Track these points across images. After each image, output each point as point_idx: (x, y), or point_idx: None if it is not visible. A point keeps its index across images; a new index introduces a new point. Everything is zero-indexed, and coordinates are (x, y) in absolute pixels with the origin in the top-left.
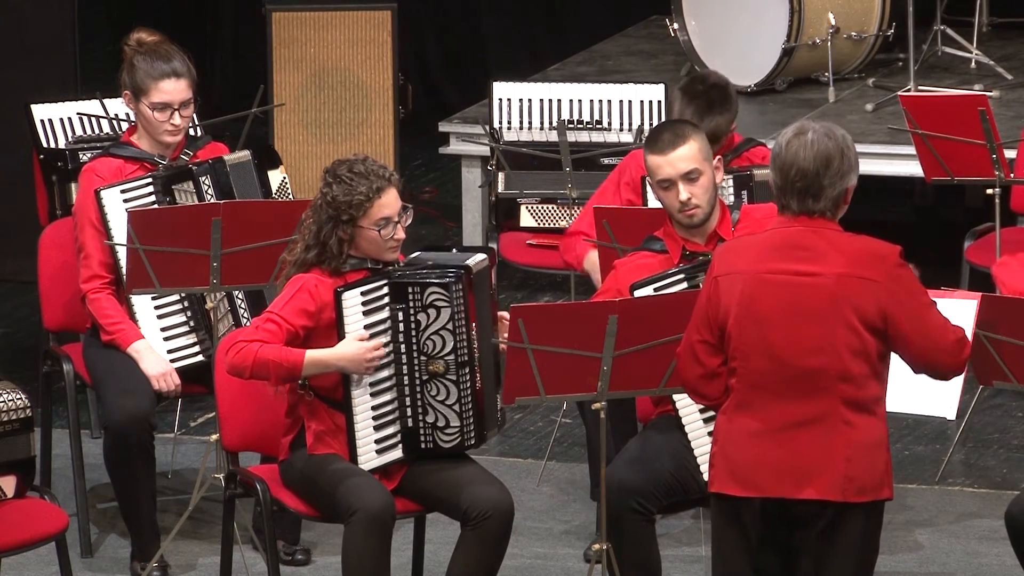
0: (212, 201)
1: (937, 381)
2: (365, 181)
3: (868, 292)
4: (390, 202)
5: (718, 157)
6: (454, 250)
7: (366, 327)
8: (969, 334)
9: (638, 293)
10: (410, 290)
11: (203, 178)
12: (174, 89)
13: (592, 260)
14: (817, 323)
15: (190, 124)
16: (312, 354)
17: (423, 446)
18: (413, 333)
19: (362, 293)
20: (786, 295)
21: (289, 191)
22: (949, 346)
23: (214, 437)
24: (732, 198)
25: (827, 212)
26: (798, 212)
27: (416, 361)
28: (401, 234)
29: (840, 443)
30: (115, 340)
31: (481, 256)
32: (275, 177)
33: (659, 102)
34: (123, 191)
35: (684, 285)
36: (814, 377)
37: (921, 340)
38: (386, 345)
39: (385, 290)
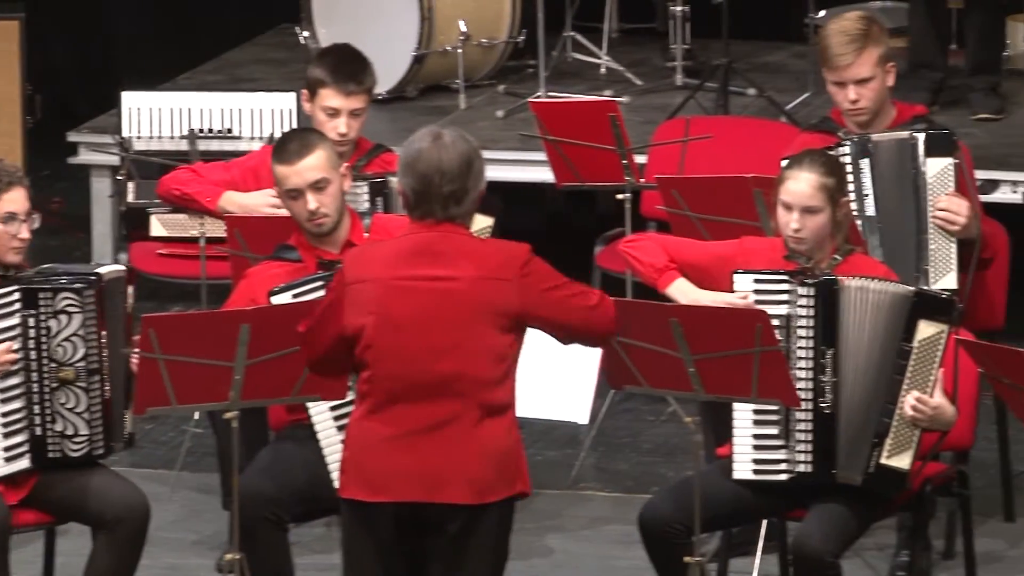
0: None
1: (569, 386)
2: None
3: (502, 292)
4: (16, 199)
5: (345, 165)
6: (91, 264)
7: None
8: None
9: (275, 299)
10: (41, 296)
11: None
12: None
13: (232, 199)
14: (454, 328)
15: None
16: None
17: (50, 455)
18: (43, 339)
19: None
20: (422, 301)
21: None
22: (590, 322)
23: None
24: (367, 204)
25: (464, 217)
26: (441, 218)
27: (45, 368)
28: (25, 233)
29: (473, 447)
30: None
31: (116, 267)
32: None
33: (291, 110)
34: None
35: (322, 292)
36: (449, 381)
37: (564, 324)
38: (15, 352)
39: (16, 295)
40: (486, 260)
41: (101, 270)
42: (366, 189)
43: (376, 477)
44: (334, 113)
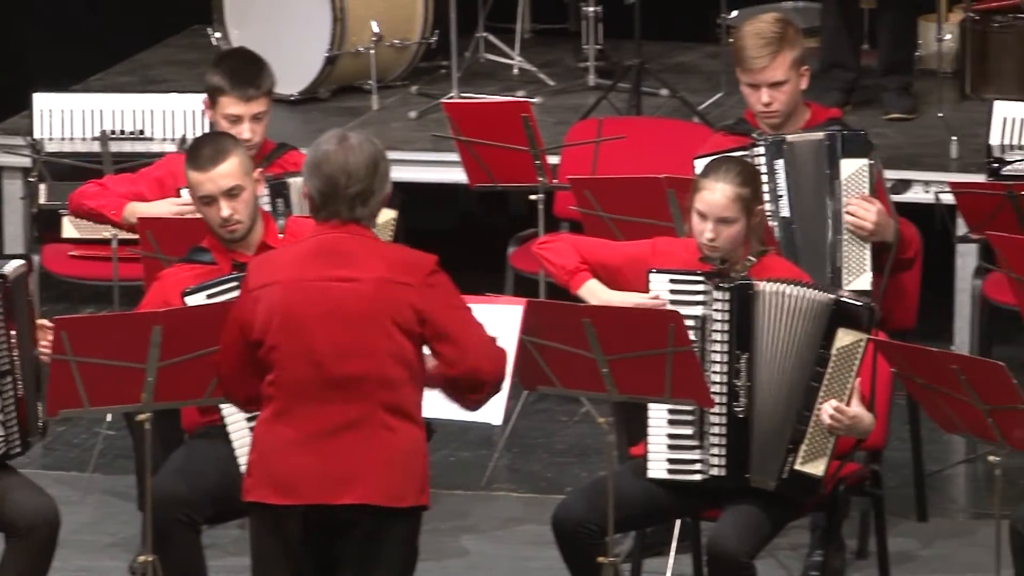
0: None
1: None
2: None
3: (405, 297)
4: None
5: (258, 170)
6: None
7: None
8: (515, 340)
9: (190, 300)
10: None
11: None
12: None
13: (136, 210)
14: (358, 328)
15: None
16: None
17: None
18: None
19: None
20: (326, 301)
21: None
22: (487, 348)
23: None
24: (267, 207)
25: (370, 219)
26: (347, 219)
27: None
28: None
29: (381, 448)
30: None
31: (17, 263)
32: None
33: (202, 112)
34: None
35: (237, 293)
36: (354, 383)
37: (461, 340)
38: None
39: None
40: (391, 262)
41: (5, 269)
42: (266, 191)
43: (283, 480)
44: (236, 120)
